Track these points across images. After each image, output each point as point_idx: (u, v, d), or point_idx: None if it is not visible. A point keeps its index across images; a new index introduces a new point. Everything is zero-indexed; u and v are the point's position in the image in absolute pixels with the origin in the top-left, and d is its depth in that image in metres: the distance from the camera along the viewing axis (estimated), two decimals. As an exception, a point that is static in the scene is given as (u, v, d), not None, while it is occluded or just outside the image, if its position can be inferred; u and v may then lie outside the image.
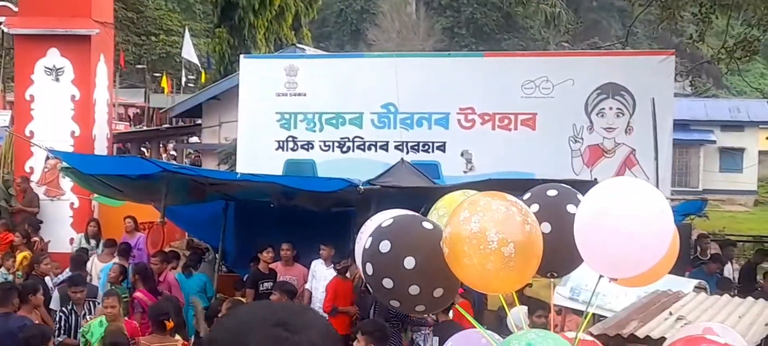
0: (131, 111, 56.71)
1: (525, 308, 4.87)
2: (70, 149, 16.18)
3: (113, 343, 7.96)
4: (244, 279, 13.62)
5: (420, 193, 11.02)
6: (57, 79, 16.50)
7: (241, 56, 18.53)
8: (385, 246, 4.38)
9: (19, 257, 13.33)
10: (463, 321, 7.75)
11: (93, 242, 15.10)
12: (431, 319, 11.34)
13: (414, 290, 4.33)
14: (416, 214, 4.81)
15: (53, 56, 16.46)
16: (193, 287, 12.94)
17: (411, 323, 11.45)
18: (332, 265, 12.67)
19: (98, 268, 13.37)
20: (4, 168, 16.86)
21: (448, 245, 4.28)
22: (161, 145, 31.14)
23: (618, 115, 15.96)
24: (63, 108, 16.58)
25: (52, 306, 11.41)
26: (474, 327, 4.99)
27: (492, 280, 4.31)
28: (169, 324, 8.97)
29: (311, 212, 13.57)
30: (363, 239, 4.73)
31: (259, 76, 17.28)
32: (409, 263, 4.29)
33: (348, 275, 12.45)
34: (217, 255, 14.85)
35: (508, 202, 4.31)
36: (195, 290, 12.75)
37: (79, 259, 13.26)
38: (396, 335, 10.54)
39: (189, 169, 17.65)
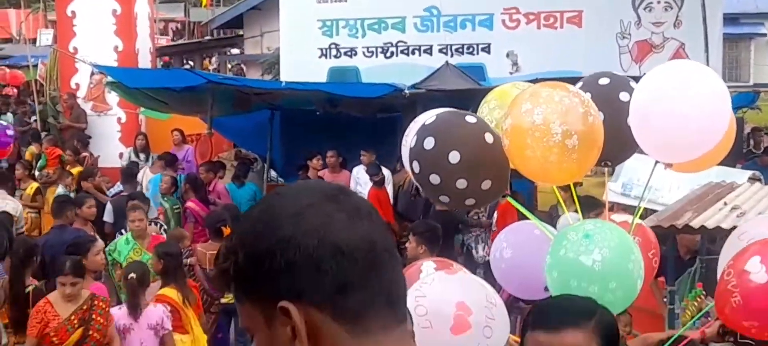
0: (171, 26, 56.67)
1: (576, 215, 4.84)
2: (114, 64, 16.27)
3: (166, 253, 8.02)
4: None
5: (466, 95, 10.96)
6: (96, -7, 16.54)
7: (282, -36, 18.35)
8: (429, 143, 4.39)
9: (75, 172, 13.56)
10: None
11: (142, 156, 15.27)
12: (485, 220, 11.40)
13: (461, 183, 4.34)
14: (458, 110, 4.80)
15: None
16: (243, 196, 13.08)
17: (463, 225, 11.52)
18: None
19: (148, 180, 13.55)
20: (50, 85, 17.03)
21: (509, 136, 4.28)
22: (203, 58, 31.14)
23: (666, 9, 15.67)
24: (105, 23, 16.62)
25: (105, 219, 11.58)
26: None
27: (553, 172, 4.32)
28: (226, 230, 9.09)
29: (356, 119, 13.61)
30: (409, 139, 4.76)
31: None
32: (454, 157, 4.29)
33: (388, 186, 12.51)
34: (265, 165, 14.99)
35: (570, 92, 4.29)
36: (246, 200, 12.88)
37: (130, 172, 13.43)
38: (448, 238, 10.59)
39: (234, 79, 17.71)
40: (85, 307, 6.88)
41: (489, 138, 4.37)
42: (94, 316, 6.88)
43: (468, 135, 4.39)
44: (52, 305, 6.82)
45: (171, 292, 7.69)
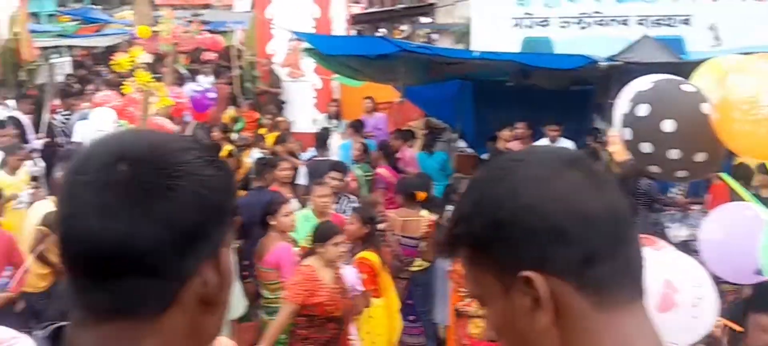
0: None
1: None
2: (311, 31, 16.66)
3: (370, 217, 8.16)
4: (482, 158, 13.75)
5: (665, 69, 10.61)
6: (295, -36, 16.96)
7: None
8: (643, 109, 4.30)
9: (271, 137, 14.04)
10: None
11: (334, 122, 15.62)
12: (681, 199, 11.06)
13: (674, 153, 4.23)
14: (676, 77, 4.68)
15: (293, -62, 16.90)
16: (433, 165, 13.19)
17: (658, 202, 11.22)
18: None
19: (337, 145, 13.87)
20: (248, 51, 17.61)
21: (718, 110, 4.15)
22: (394, 27, 31.53)
23: None
24: (302, -10, 17.07)
25: (299, 182, 11.91)
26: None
27: (763, 146, 4.16)
28: (420, 195, 9.19)
29: (548, 91, 13.42)
30: (621, 105, 4.67)
31: (493, -47, 16.98)
32: (668, 125, 4.19)
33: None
34: (454, 134, 15.05)
35: (781, 64, 4.13)
36: (435, 168, 13.00)
37: (323, 137, 13.75)
38: (641, 214, 10.36)
39: (426, 48, 17.79)
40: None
41: (706, 108, 4.24)
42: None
43: (684, 103, 4.28)
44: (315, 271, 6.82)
45: (371, 255, 7.86)
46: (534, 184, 1.45)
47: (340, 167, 10.58)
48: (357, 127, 14.13)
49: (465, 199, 1.54)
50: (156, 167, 1.35)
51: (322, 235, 6.90)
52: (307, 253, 7.13)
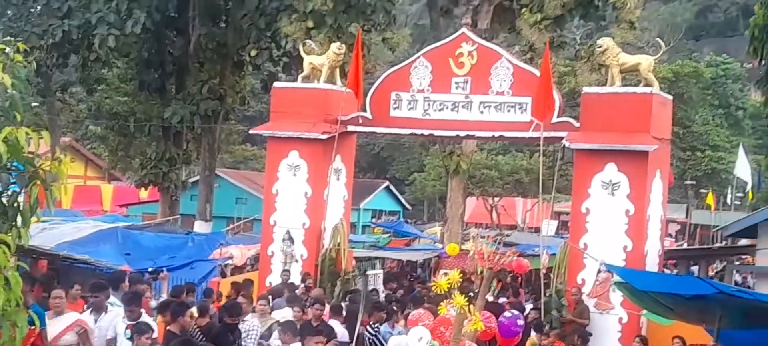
0: (672, 227, 56.48)
1: None
2: (622, 264, 16.59)
3: None
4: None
5: None
6: (612, 194, 17.06)
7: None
8: None
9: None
10: None
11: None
12: None
13: None
14: None
15: (611, 171, 17.08)
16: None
17: None
18: None
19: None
20: (557, 278, 17.71)
21: None
22: (708, 264, 30.54)
23: None
24: (616, 222, 17.04)
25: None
26: None
27: None
28: None
29: None
30: None
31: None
32: None
33: None
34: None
35: None
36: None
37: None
38: None
39: (750, 293, 17.08)
40: None
41: None
42: None
43: None
44: None
45: None
46: None
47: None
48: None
49: None
50: None
51: None
52: None
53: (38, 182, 5.43)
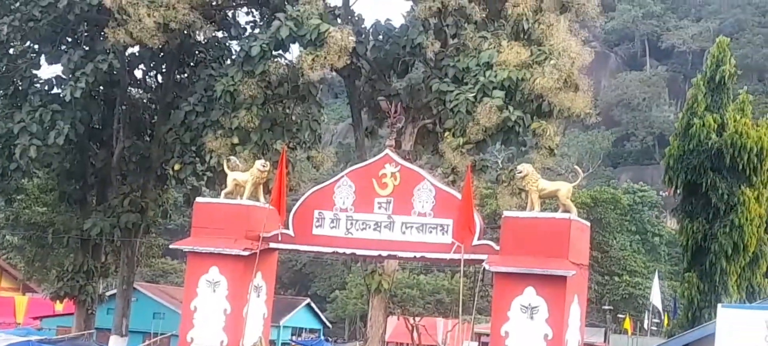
0: (591, 352, 56.92)
1: None
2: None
3: None
4: None
5: None
6: (531, 318, 16.94)
7: (720, 306, 18.10)
8: None
9: None
10: None
11: None
12: None
13: None
14: None
15: (530, 294, 17.15)
16: None
17: None
18: None
19: None
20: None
21: None
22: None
23: None
24: (535, 346, 17.17)
25: None
26: None
27: None
28: None
29: None
30: None
31: (735, 328, 16.69)
32: None
33: None
34: None
35: None
36: None
37: None
38: None
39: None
40: None
41: None
42: None
43: None
44: None
45: None
46: None
47: None
48: None
49: None
50: None
51: None
52: None
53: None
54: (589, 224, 19.61)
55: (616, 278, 62.67)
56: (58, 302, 39.79)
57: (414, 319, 51.96)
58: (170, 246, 24.03)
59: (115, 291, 38.62)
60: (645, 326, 53.45)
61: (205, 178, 34.40)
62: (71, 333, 34.74)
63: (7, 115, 31.19)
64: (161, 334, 40.34)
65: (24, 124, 30.28)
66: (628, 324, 50.45)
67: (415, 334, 50.94)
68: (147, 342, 36.41)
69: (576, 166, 20.53)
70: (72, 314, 38.46)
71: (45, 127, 30.17)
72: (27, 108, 30.69)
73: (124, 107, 34.91)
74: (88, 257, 35.46)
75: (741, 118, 32.70)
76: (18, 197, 38.25)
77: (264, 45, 26.77)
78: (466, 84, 26.34)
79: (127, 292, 36.22)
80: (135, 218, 34.02)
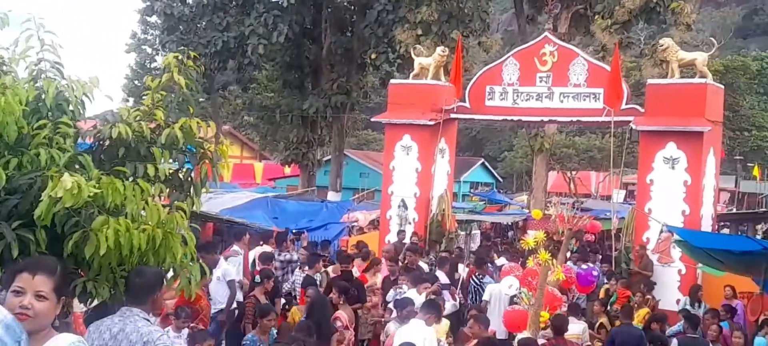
0: (723, 195, 54.50)
1: None
2: (681, 225, 16.12)
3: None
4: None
5: None
6: (673, 168, 16.55)
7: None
8: None
9: (641, 312, 13.66)
10: None
11: (696, 304, 14.77)
12: None
13: None
14: None
15: (671, 149, 16.57)
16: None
17: None
18: None
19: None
20: (625, 237, 17.32)
21: None
22: (755, 226, 29.38)
23: None
24: (676, 191, 16.52)
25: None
26: None
27: None
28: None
29: None
30: None
31: None
32: None
33: None
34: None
35: None
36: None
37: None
38: None
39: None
40: None
41: None
42: None
43: None
44: None
45: None
46: None
47: None
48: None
49: None
50: None
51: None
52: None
53: (206, 161, 5.59)
54: (722, 87, 18.61)
55: (746, 133, 59.40)
56: (286, 166, 41.37)
57: (571, 173, 51.16)
58: (371, 119, 24.44)
59: (329, 157, 39.83)
60: (772, 172, 50.68)
61: (396, 64, 34.56)
62: (298, 190, 36.21)
63: (239, 21, 32.29)
64: (367, 189, 41.45)
65: (252, 27, 31.36)
66: (756, 172, 47.91)
67: (572, 185, 50.24)
68: (356, 196, 37.51)
69: (711, 39, 19.35)
70: (298, 175, 39.98)
71: (269, 28, 31.12)
72: (254, 14, 31.75)
73: (329, 10, 35.41)
74: (308, 130, 36.61)
75: None
76: (251, 86, 39.82)
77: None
78: (613, -29, 25.21)
79: (340, 157, 37.42)
80: (342, 98, 34.89)
